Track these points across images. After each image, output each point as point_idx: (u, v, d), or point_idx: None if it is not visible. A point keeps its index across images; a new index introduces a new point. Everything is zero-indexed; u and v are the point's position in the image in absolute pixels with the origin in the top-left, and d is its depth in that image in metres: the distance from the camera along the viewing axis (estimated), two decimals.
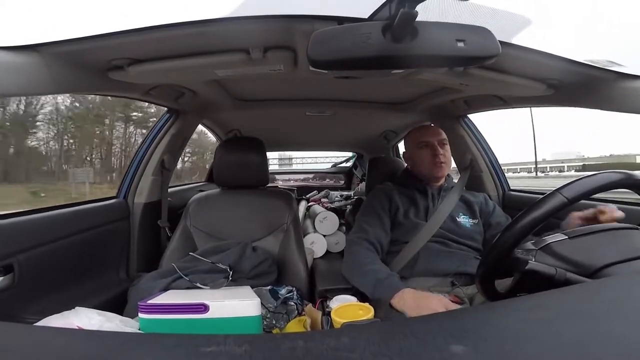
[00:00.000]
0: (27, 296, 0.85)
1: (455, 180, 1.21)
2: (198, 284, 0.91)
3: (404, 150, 1.19)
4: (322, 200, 2.33)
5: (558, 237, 0.60)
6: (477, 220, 1.06)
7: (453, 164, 1.21)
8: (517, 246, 0.56)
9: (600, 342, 0.28)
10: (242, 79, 1.08)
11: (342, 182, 3.17)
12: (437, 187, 1.10)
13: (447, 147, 1.09)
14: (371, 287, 0.86)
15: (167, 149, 1.36)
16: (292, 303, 0.95)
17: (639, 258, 0.51)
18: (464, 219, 1.05)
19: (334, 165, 3.48)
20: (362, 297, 1.08)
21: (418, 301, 0.70)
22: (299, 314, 0.93)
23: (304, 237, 1.46)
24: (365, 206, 1.10)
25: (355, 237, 1.01)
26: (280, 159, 5.43)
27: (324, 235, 1.73)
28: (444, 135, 1.10)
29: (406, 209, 1.05)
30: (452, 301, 0.81)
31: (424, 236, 0.99)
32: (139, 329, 0.67)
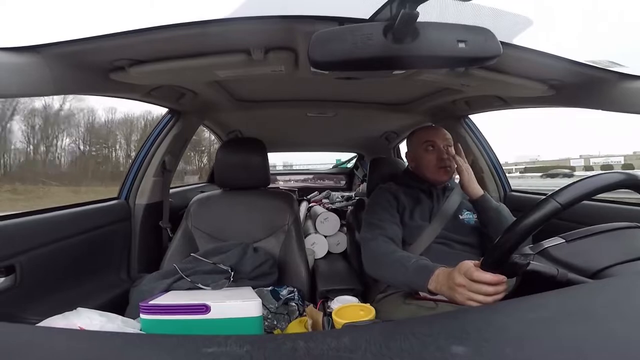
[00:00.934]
0: (29, 297, 0.86)
1: (457, 181, 1.21)
2: (199, 285, 0.91)
3: (407, 149, 1.18)
4: (323, 201, 2.33)
5: (555, 241, 0.59)
6: None
7: None
8: (514, 252, 0.55)
9: (601, 343, 0.28)
10: (243, 79, 1.08)
11: (343, 182, 3.16)
12: (441, 187, 1.09)
13: (452, 150, 1.07)
14: (402, 276, 0.81)
15: (168, 150, 1.36)
16: (293, 304, 0.95)
17: (638, 259, 0.51)
18: (467, 215, 1.04)
19: (335, 166, 3.48)
20: (363, 298, 1.08)
21: (449, 282, 0.68)
22: (300, 315, 0.93)
23: (305, 237, 1.46)
24: (372, 204, 1.07)
25: (369, 234, 0.96)
26: (283, 166, 5.55)
27: (325, 236, 1.73)
28: (449, 136, 1.09)
29: (411, 209, 1.04)
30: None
31: (427, 238, 0.98)
32: (141, 330, 0.67)
